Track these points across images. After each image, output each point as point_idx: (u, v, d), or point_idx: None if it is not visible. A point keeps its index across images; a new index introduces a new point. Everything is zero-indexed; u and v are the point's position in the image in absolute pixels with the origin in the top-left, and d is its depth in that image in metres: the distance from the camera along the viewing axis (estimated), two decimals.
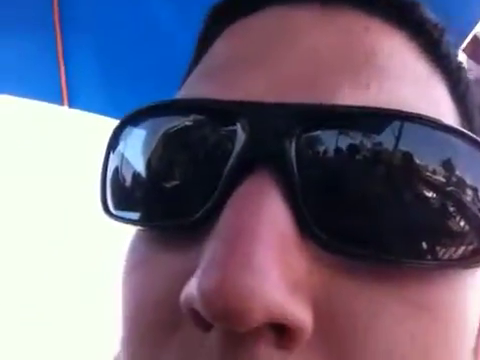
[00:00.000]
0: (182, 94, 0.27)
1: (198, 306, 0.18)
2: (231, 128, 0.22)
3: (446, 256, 0.20)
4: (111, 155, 0.26)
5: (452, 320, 0.20)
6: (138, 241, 0.25)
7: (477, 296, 0.22)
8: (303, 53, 0.24)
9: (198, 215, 0.22)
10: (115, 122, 0.27)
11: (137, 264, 0.24)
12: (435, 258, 0.20)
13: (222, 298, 0.17)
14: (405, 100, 0.22)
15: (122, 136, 0.25)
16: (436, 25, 0.28)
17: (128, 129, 0.25)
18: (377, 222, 0.20)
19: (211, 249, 0.19)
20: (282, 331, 0.18)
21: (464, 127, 0.26)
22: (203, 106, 0.23)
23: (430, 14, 0.29)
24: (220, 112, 0.22)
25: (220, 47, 0.28)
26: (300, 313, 0.18)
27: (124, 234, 0.27)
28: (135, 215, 0.25)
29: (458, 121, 0.27)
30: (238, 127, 0.21)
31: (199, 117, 0.23)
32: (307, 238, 0.20)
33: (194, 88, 0.26)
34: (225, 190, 0.21)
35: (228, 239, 0.18)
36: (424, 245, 0.20)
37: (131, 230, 0.26)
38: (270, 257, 0.18)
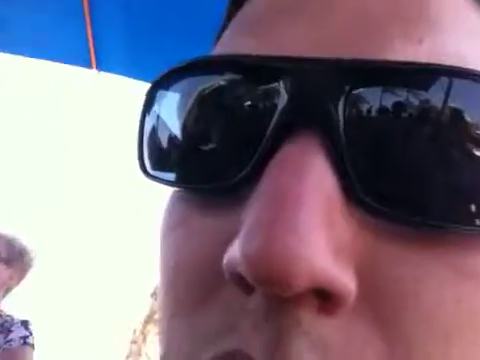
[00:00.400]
0: (218, 51, 0.25)
1: (242, 270, 0.17)
2: (273, 86, 0.21)
3: None
4: (147, 115, 0.25)
5: None
6: (175, 202, 0.24)
7: None
8: (350, 5, 0.22)
9: (239, 177, 0.21)
10: (143, 85, 0.26)
11: (175, 226, 0.24)
12: None
13: (268, 262, 0.17)
14: (459, 55, 0.21)
15: (157, 96, 0.24)
16: None
17: (163, 89, 0.24)
18: (425, 186, 0.19)
19: (255, 212, 0.18)
20: (325, 297, 0.18)
21: None
22: (241, 63, 0.22)
23: None
24: (260, 69, 0.21)
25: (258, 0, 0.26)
26: (344, 279, 0.18)
27: (162, 195, 0.26)
28: (173, 176, 0.24)
29: None
30: (280, 85, 0.20)
31: (237, 75, 0.22)
32: (353, 203, 0.19)
33: (230, 44, 0.24)
34: (267, 152, 0.20)
35: (273, 202, 0.18)
36: (473, 209, 0.19)
37: (168, 191, 0.26)
38: (316, 222, 0.17)
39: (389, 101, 0.19)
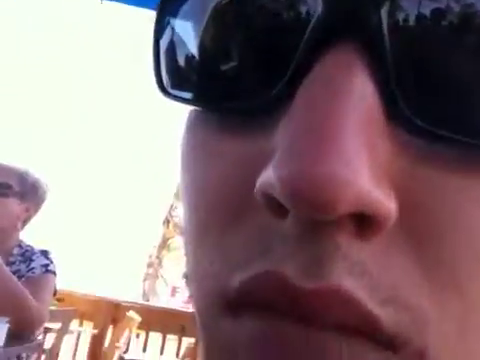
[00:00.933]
0: None
1: (280, 192, 0.16)
2: None
3: None
4: (162, 28, 0.22)
5: None
6: (196, 123, 0.23)
7: None
8: None
9: (270, 95, 0.19)
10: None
11: (196, 148, 0.22)
12: None
13: (313, 185, 0.16)
14: None
15: (172, 5, 0.22)
16: None
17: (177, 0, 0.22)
18: (472, 103, 0.18)
19: (293, 131, 0.17)
20: (364, 221, 0.17)
21: None
22: None
23: None
24: None
25: None
26: (386, 202, 0.17)
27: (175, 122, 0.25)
28: (193, 95, 0.22)
29: None
30: None
31: None
32: (395, 120, 0.18)
33: None
34: (302, 66, 0.18)
35: (313, 122, 0.16)
36: None
37: (184, 114, 0.24)
38: (359, 143, 0.16)
39: (438, 8, 0.17)
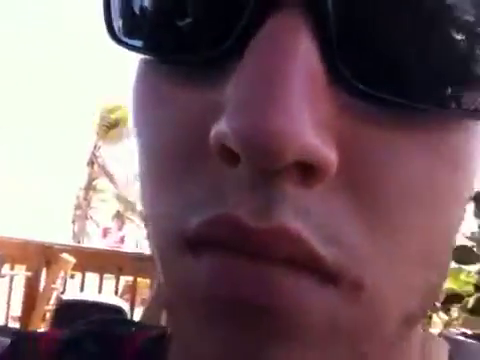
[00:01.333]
0: None
1: (232, 142, 0.18)
2: None
3: (471, 106, 0.21)
4: None
5: (467, 169, 0.22)
6: (146, 70, 0.23)
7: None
8: None
9: (221, 49, 0.20)
10: None
11: (148, 93, 0.23)
12: (459, 106, 0.21)
13: (260, 137, 0.18)
14: None
15: None
16: None
17: None
18: (409, 68, 0.20)
19: (243, 86, 0.18)
20: (308, 170, 0.19)
21: None
22: None
23: None
24: None
25: None
26: (326, 151, 0.19)
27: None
28: (145, 44, 0.22)
29: None
30: None
31: None
32: (336, 82, 0.19)
33: None
34: (251, 24, 0.19)
35: (261, 78, 0.18)
36: (451, 93, 0.20)
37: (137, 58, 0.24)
38: (302, 99, 0.18)
39: None
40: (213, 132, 0.19)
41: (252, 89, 0.18)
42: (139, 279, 4.32)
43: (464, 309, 1.84)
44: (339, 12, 0.19)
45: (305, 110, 0.18)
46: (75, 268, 4.05)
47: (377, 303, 0.21)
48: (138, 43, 0.22)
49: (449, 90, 0.20)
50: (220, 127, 0.19)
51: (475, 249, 1.81)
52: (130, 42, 0.22)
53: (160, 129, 0.22)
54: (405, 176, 0.20)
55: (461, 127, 0.22)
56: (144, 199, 0.24)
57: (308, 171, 0.19)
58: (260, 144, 0.18)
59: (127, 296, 4.17)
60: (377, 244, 0.20)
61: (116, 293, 4.25)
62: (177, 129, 0.21)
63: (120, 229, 9.40)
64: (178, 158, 0.21)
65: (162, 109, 0.22)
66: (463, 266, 1.88)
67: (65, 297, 3.68)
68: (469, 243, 1.83)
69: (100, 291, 4.28)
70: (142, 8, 0.22)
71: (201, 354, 0.21)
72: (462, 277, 1.91)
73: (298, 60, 0.18)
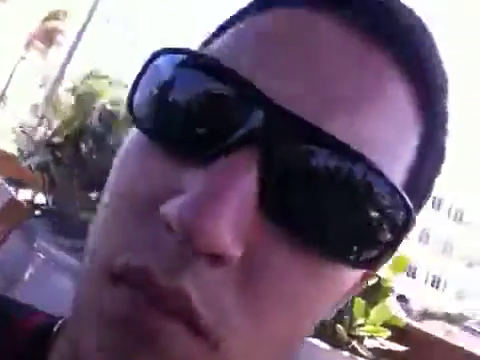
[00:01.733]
0: (211, 51, 0.32)
1: (174, 223, 0.26)
2: (250, 109, 0.28)
3: (360, 258, 0.28)
4: (144, 74, 0.31)
5: (329, 298, 0.30)
6: (137, 141, 0.31)
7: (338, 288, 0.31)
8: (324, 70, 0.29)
9: (198, 151, 0.28)
10: None
11: (131, 162, 0.30)
12: (346, 256, 0.28)
13: (192, 230, 0.25)
14: (372, 136, 0.29)
15: (152, 66, 0.31)
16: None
17: (157, 63, 0.30)
18: (317, 221, 0.28)
19: (197, 190, 0.26)
20: (217, 256, 0.26)
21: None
22: (232, 78, 0.28)
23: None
24: (242, 90, 0.28)
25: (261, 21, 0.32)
26: (233, 251, 0.26)
27: None
28: (146, 124, 0.30)
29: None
30: (255, 111, 0.27)
31: (223, 85, 0.28)
32: (264, 208, 0.27)
33: (224, 55, 0.30)
34: (223, 150, 0.27)
35: (211, 193, 0.25)
36: (343, 247, 0.28)
37: None
38: (232, 214, 0.25)
39: (313, 159, 0.27)
40: (167, 207, 0.26)
41: (199, 197, 0.25)
42: None
43: None
44: (280, 171, 0.27)
45: (229, 221, 0.25)
46: None
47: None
48: (142, 123, 0.30)
49: (343, 245, 0.28)
50: (170, 207, 0.26)
51: None
52: (138, 119, 0.30)
53: (129, 186, 0.29)
54: (283, 286, 0.28)
55: (341, 270, 0.29)
56: (93, 235, 0.30)
57: (218, 257, 0.26)
58: (191, 235, 0.25)
59: None
60: (247, 318, 0.27)
61: None
62: (140, 188, 0.29)
63: None
64: (134, 207, 0.28)
65: (135, 173, 0.29)
66: None
67: None
68: None
69: None
70: (152, 102, 0.30)
71: (87, 348, 0.27)
72: None
73: (241, 188, 0.26)
